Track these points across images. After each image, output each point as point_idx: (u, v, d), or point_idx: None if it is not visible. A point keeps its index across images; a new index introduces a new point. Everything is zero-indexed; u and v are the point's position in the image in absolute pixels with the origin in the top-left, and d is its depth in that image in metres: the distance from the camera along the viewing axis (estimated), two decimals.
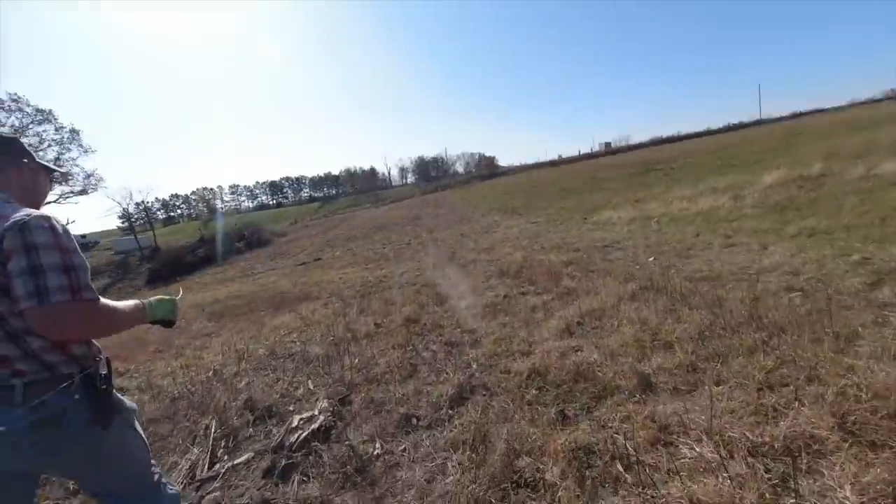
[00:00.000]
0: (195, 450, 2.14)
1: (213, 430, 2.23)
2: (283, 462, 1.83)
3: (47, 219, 0.99)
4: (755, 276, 4.43)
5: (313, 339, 4.52)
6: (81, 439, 1.04)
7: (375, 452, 1.92)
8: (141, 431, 1.26)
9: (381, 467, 1.85)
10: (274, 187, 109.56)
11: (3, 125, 25.11)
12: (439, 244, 13.21)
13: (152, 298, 1.24)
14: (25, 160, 1.19)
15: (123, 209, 47.47)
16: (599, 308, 3.96)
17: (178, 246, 33.32)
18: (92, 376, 1.07)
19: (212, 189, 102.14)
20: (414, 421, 2.27)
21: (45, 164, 1.27)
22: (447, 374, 2.96)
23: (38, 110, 26.72)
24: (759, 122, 55.85)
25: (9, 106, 25.65)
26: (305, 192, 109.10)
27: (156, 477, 1.29)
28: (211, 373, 3.64)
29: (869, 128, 21.42)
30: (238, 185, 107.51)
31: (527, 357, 3.00)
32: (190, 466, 1.95)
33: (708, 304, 3.46)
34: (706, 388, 2.03)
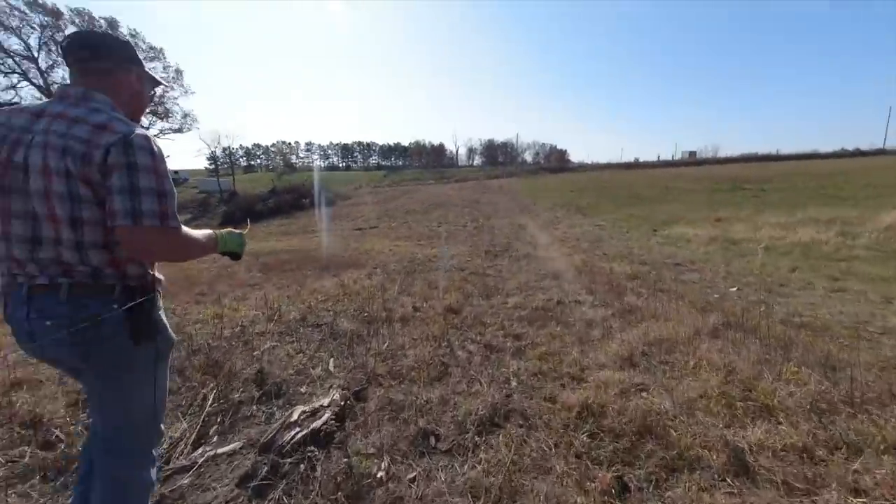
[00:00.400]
0: (184, 423, 1.94)
1: (209, 402, 2.02)
2: (266, 469, 1.54)
3: (149, 139, 1.00)
4: (878, 336, 3.56)
5: (347, 311, 4.29)
6: (111, 347, 1.04)
7: (379, 475, 1.59)
8: (167, 373, 1.24)
9: (381, 498, 1.50)
10: (345, 150, 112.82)
11: None
12: (495, 231, 12.69)
13: (224, 231, 1.27)
14: (135, 66, 1.16)
15: (212, 151, 51.10)
16: (670, 338, 3.35)
17: (252, 194, 35.39)
18: (133, 289, 1.07)
19: (289, 144, 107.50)
20: (432, 441, 1.91)
21: (153, 74, 1.24)
22: (481, 384, 2.56)
23: (151, 47, 28.98)
24: (881, 153, 48.32)
25: (126, 40, 28.07)
26: (374, 159, 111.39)
27: (156, 439, 1.24)
28: (239, 328, 3.52)
29: None
30: (313, 144, 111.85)
31: (578, 385, 2.51)
32: (170, 445, 1.73)
33: (819, 362, 2.75)
34: (833, 491, 1.46)
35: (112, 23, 27.94)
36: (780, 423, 1.93)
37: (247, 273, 7.01)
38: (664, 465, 1.66)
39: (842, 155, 46.40)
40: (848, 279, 5.98)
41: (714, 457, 1.70)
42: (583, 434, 1.91)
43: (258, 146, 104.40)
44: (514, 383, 2.56)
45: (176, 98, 31.15)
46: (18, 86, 25.22)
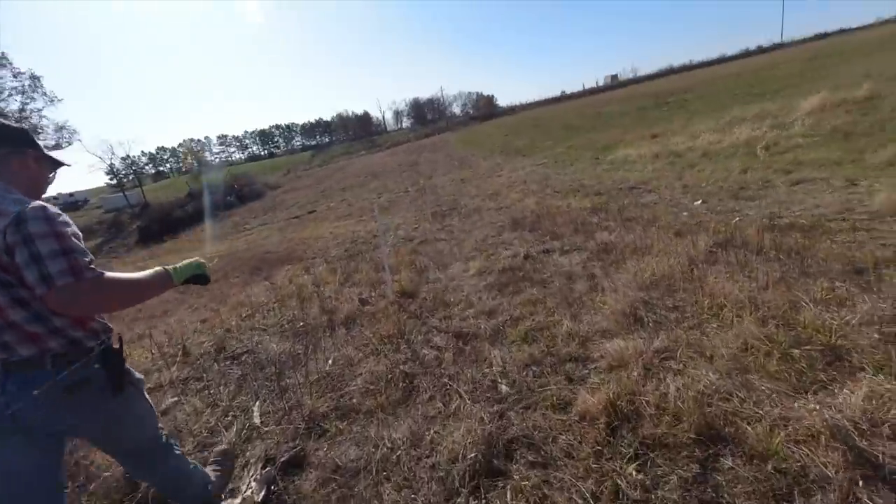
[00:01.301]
0: None
1: None
2: None
3: (42, 208, 1.01)
4: (871, 223, 3.24)
5: (280, 323, 3.43)
6: (101, 403, 1.14)
7: None
8: (148, 398, 1.35)
9: None
10: (264, 136, 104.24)
11: None
12: (438, 191, 11.89)
13: (178, 263, 1.29)
14: (29, 150, 1.18)
15: (109, 164, 45.13)
16: (666, 275, 2.83)
17: (165, 202, 31.89)
18: (108, 349, 1.17)
19: (199, 140, 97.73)
20: None
21: (50, 155, 1.24)
22: (461, 397, 1.88)
23: None
24: (779, 46, 51.40)
25: (22, 127, 23.14)
26: (297, 141, 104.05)
27: (163, 438, 1.41)
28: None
29: None
30: (226, 136, 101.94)
31: (589, 371, 1.90)
32: None
33: (843, 270, 2.30)
34: None
35: None
36: (870, 373, 1.40)
37: (157, 299, 5.84)
38: (771, 492, 1.06)
39: (747, 55, 48.97)
40: (802, 169, 5.83)
41: (827, 463, 1.11)
42: (627, 463, 1.28)
43: (163, 149, 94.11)
44: (503, 387, 1.90)
45: (40, 110, 26.54)
46: None
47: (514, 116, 45.90)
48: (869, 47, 23.27)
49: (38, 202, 1.03)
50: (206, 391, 2.43)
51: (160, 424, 1.42)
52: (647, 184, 7.15)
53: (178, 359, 2.86)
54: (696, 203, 5.37)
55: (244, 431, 2.00)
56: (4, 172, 1.11)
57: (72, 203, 52.17)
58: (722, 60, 50.53)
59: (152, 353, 2.98)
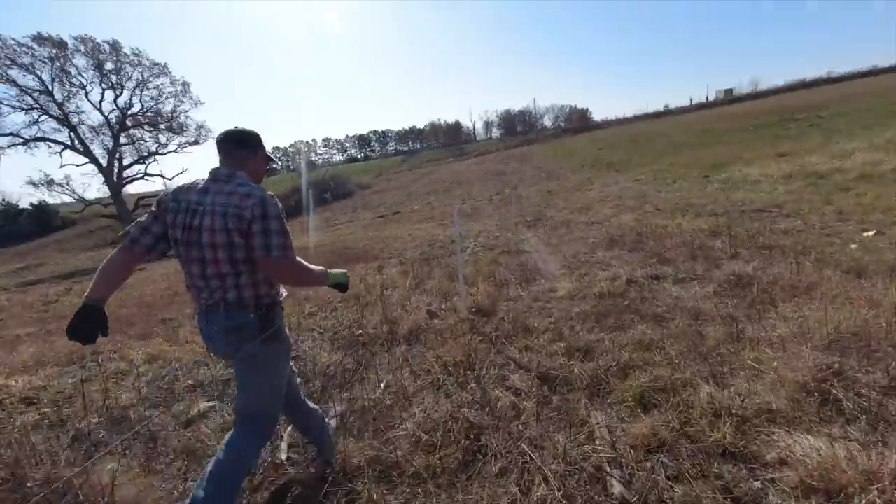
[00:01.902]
0: None
1: None
2: None
3: (274, 198, 1.36)
4: None
5: (336, 328, 3.10)
6: (250, 345, 1.39)
7: None
8: (287, 370, 1.58)
9: None
10: (362, 140, 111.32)
11: (131, 78, 27.25)
12: (523, 201, 11.21)
13: (334, 270, 1.58)
14: (260, 151, 1.53)
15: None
16: (861, 332, 1.94)
17: (277, 195, 34.95)
18: (263, 306, 1.42)
19: (307, 142, 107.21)
20: None
21: (269, 155, 1.59)
22: (549, 489, 1.27)
23: (154, 63, 28.40)
24: None
25: (132, 60, 27.65)
26: (391, 146, 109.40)
27: (297, 377, 1.73)
28: (162, 384, 2.38)
29: None
30: (330, 139, 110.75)
31: (759, 481, 1.19)
32: None
33: None
34: None
35: (115, 45, 27.60)
36: None
37: None
38: None
39: None
40: None
41: None
42: None
43: (277, 149, 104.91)
44: (616, 485, 1.26)
45: (187, 111, 30.63)
46: (39, 120, 25.43)
47: (609, 131, 43.16)
48: None
49: (268, 194, 1.35)
50: None
51: (278, 415, 1.58)
52: (782, 207, 5.86)
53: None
54: (866, 234, 4.13)
55: (265, 465, 1.60)
56: (245, 167, 1.44)
57: None
58: (872, 73, 42.71)
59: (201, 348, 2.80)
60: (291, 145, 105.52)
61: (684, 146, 18.01)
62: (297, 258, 1.37)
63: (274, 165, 1.83)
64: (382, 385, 2.13)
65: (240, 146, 1.47)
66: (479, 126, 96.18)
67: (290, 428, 1.85)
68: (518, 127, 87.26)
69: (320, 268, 1.48)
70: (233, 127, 1.52)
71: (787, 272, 3.08)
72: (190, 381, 2.39)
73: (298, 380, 1.74)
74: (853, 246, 3.78)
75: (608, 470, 1.31)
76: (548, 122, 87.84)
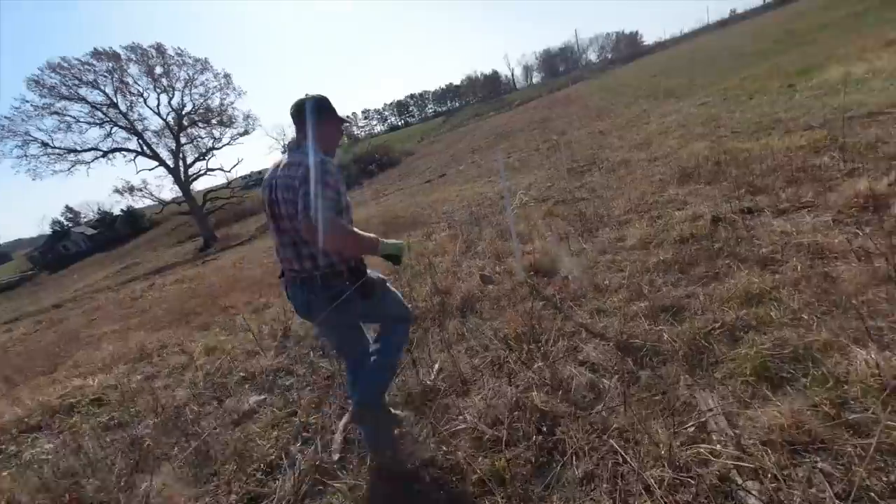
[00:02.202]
0: None
1: None
2: None
3: (328, 162, 1.36)
4: None
5: None
6: (358, 304, 1.47)
7: None
8: (392, 288, 1.66)
9: None
10: (400, 107, 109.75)
11: (179, 79, 28.50)
12: (573, 146, 10.32)
13: (389, 240, 1.51)
14: (329, 115, 1.53)
15: (283, 144, 52.78)
16: None
17: None
18: (354, 270, 1.46)
19: (348, 116, 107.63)
20: None
21: (341, 117, 1.58)
22: (654, 500, 0.96)
23: (196, 60, 29.35)
24: None
25: (176, 60, 28.78)
26: (430, 109, 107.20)
27: (406, 308, 1.73)
28: (216, 374, 2.32)
29: None
30: (369, 110, 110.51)
31: None
32: None
33: None
34: None
35: (160, 48, 28.72)
36: None
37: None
38: None
39: None
40: None
41: None
42: None
43: None
44: (755, 501, 0.91)
45: (233, 103, 31.57)
46: (112, 132, 27.50)
47: (664, 54, 38.67)
48: None
49: (323, 157, 1.37)
50: (289, 393, 1.99)
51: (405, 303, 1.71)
52: None
53: (276, 342, 2.54)
54: None
55: (303, 475, 1.44)
56: (314, 135, 1.44)
57: (261, 179, 62.89)
58: None
59: (254, 334, 2.73)
60: None
61: (758, 56, 15.56)
62: (342, 222, 1.33)
63: (347, 125, 1.77)
64: (436, 368, 1.90)
65: (312, 115, 1.47)
66: (518, 72, 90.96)
67: (344, 419, 1.74)
68: (560, 67, 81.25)
69: (373, 235, 1.43)
70: (302, 96, 1.51)
71: None
72: (242, 373, 2.32)
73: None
74: None
75: (740, 481, 0.96)
76: (593, 55, 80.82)
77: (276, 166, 1.47)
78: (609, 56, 69.76)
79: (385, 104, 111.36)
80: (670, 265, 2.34)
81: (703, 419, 1.17)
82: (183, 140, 27.96)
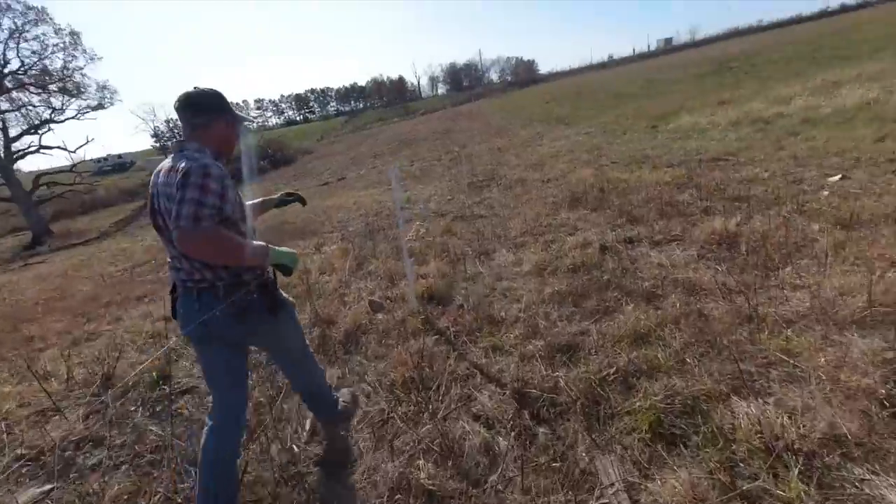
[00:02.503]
0: None
1: None
2: None
3: (209, 166, 1.18)
4: None
5: None
6: (262, 321, 1.37)
7: None
8: (297, 319, 1.58)
9: None
10: (300, 101, 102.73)
11: (1, 27, 22.62)
12: (474, 160, 10.59)
13: (281, 248, 1.37)
14: (218, 115, 1.35)
15: (155, 127, 45.51)
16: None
17: None
18: (264, 282, 1.37)
19: (238, 104, 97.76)
20: None
21: (238, 115, 1.42)
22: None
23: (28, 7, 23.57)
24: (866, 5, 44.95)
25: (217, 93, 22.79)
26: (332, 106, 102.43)
27: (310, 351, 1.67)
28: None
29: None
30: (263, 100, 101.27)
31: None
32: None
33: None
34: None
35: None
36: None
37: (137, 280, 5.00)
38: None
39: (826, 14, 43.05)
40: None
41: None
42: None
43: None
44: None
45: (81, 68, 26.12)
46: None
47: (556, 83, 42.76)
48: None
49: (206, 161, 1.20)
50: (91, 478, 1.44)
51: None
52: (737, 155, 5.68)
53: (88, 396, 1.90)
54: (831, 179, 3.94)
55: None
56: (203, 136, 1.32)
57: (119, 165, 52.97)
58: (797, 21, 44.81)
59: (67, 380, 2.02)
60: None
61: (629, 97, 17.95)
62: (220, 230, 1.18)
63: (248, 124, 1.49)
64: (307, 428, 1.55)
65: (196, 113, 1.33)
66: (424, 82, 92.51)
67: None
68: (464, 81, 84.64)
69: (259, 244, 1.29)
70: (191, 88, 1.34)
71: (772, 227, 2.76)
72: (22, 450, 1.66)
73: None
74: (824, 193, 3.56)
75: None
76: (494, 75, 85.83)
77: (158, 172, 1.31)
78: (509, 78, 74.76)
79: (282, 95, 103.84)
80: (564, 297, 2.31)
81: (605, 501, 1.04)
82: (4, 105, 22.07)
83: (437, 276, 2.84)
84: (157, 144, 51.97)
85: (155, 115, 43.61)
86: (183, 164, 1.18)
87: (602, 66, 51.01)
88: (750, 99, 10.07)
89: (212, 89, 1.37)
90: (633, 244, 3.05)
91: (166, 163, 1.30)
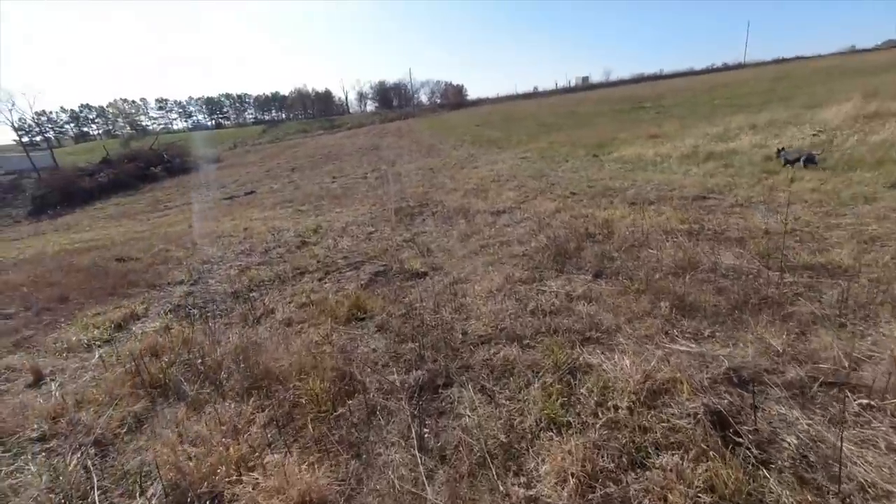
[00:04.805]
0: None
1: None
2: None
3: None
4: None
5: None
6: None
7: None
8: None
9: None
10: (212, 105, 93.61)
11: None
12: (403, 180, 9.33)
13: None
14: None
15: (19, 118, 37.71)
16: None
17: (72, 167, 26.83)
18: None
19: (133, 102, 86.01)
20: None
21: None
22: None
23: None
24: (742, 66, 52.72)
25: None
26: (250, 114, 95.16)
27: None
28: None
29: (869, 73, 18.63)
30: (167, 100, 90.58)
31: None
32: None
33: None
34: None
35: None
36: None
37: None
38: None
39: (712, 70, 49.67)
40: None
41: None
42: None
43: (88, 107, 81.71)
44: None
45: None
46: None
47: (484, 108, 43.68)
48: (823, 74, 23.07)
49: None
50: None
51: None
52: (722, 193, 4.97)
53: None
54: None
55: None
56: None
57: None
58: (690, 73, 51.15)
59: None
60: (110, 105, 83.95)
61: (555, 126, 18.20)
62: None
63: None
64: None
65: None
66: (352, 97, 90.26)
67: None
68: (394, 100, 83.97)
69: None
70: None
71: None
72: None
73: None
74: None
75: None
76: (424, 97, 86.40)
77: None
78: (438, 100, 75.61)
79: (191, 97, 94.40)
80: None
81: None
82: None
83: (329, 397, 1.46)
84: (25, 139, 43.62)
85: (14, 104, 36.12)
86: None
87: (527, 96, 53.59)
88: (675, 136, 10.13)
89: None
90: (749, 390, 1.72)
91: None
